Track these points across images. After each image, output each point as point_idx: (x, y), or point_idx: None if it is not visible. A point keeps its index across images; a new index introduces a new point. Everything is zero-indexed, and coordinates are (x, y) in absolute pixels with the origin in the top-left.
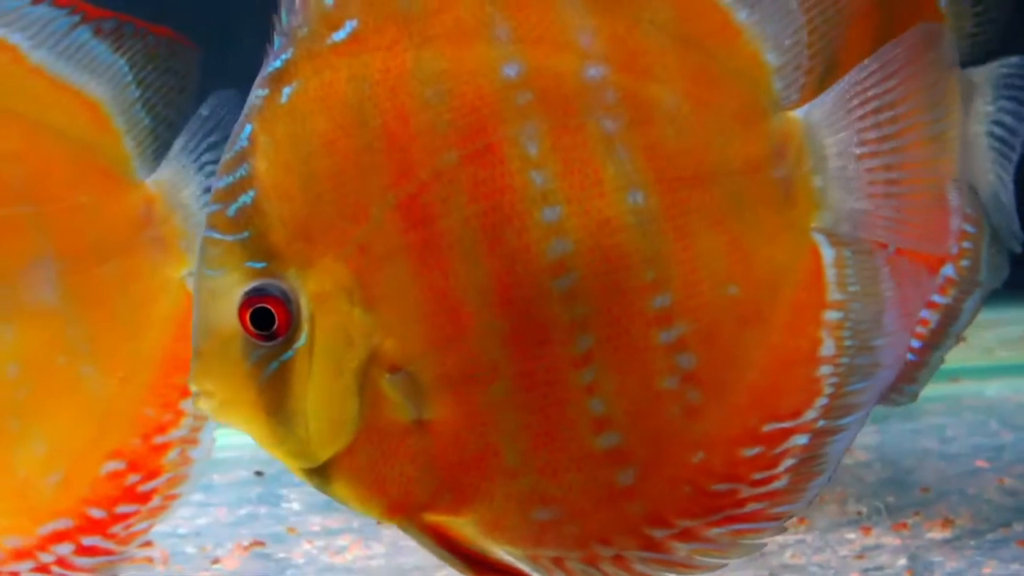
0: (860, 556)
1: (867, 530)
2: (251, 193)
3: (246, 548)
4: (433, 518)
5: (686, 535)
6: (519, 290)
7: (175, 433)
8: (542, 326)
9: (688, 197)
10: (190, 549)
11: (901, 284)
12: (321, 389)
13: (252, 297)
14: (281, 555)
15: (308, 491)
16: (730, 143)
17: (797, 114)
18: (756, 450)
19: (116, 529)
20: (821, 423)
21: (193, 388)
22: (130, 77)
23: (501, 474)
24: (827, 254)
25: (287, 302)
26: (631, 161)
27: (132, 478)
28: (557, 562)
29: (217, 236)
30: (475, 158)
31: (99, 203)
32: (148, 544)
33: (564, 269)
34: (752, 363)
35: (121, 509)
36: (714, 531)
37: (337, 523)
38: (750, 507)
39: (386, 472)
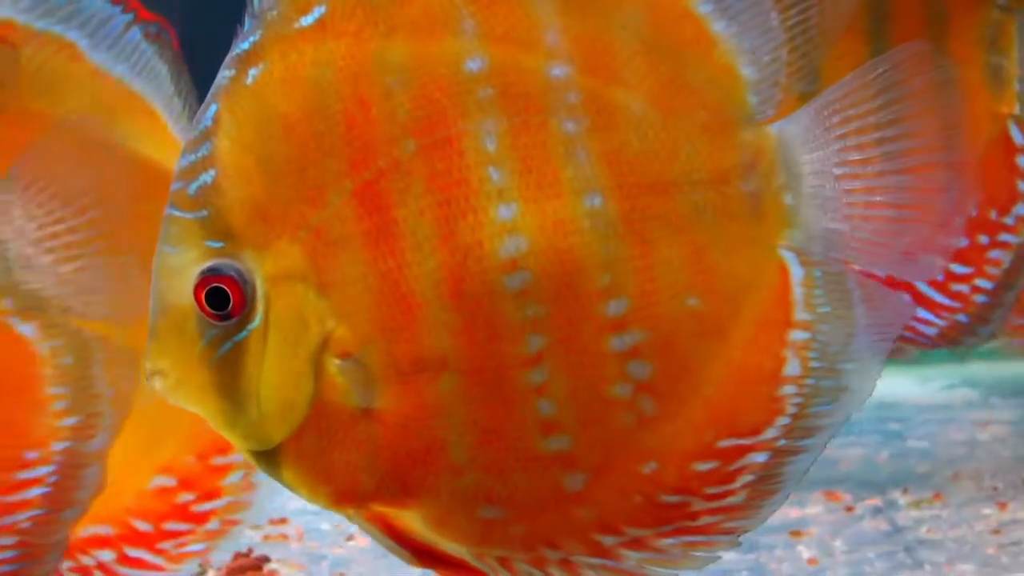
0: (996, 531)
1: (1003, 505)
2: (212, 172)
3: None
4: (380, 509)
5: (636, 544)
6: (470, 285)
7: (236, 456)
8: (492, 323)
9: (649, 204)
10: (325, 526)
11: (876, 308)
12: (274, 371)
13: (207, 276)
14: None
15: None
16: (696, 153)
17: (771, 128)
18: (711, 465)
19: (165, 546)
20: (782, 442)
21: (147, 366)
22: (173, 85)
23: (447, 469)
24: (796, 273)
25: (242, 282)
26: (591, 164)
27: (184, 496)
28: (503, 562)
29: (177, 214)
30: (433, 150)
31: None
32: (283, 520)
33: (516, 267)
34: (711, 377)
35: (170, 526)
36: (665, 542)
37: None
38: (703, 520)
39: (333, 460)
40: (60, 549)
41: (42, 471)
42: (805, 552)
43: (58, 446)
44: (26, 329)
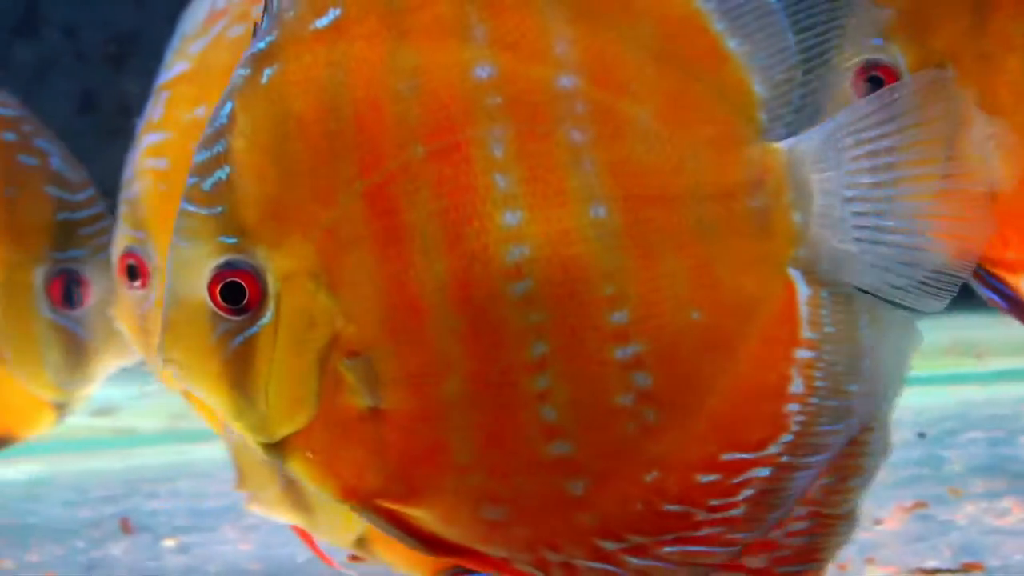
0: None
1: None
2: (226, 169)
3: (908, 509)
4: (386, 505)
5: (638, 550)
6: (475, 290)
7: None
8: (497, 328)
9: (653, 217)
10: None
11: (884, 331)
12: (283, 367)
13: (223, 271)
14: (944, 517)
15: (971, 452)
16: (703, 167)
17: (781, 146)
18: (714, 477)
19: None
20: (785, 458)
21: (160, 355)
22: None
23: (451, 470)
24: (802, 291)
25: (257, 277)
26: (596, 174)
27: None
28: (506, 563)
29: (192, 209)
30: (441, 155)
31: None
32: None
33: (521, 274)
34: (714, 390)
35: None
36: (666, 550)
37: (1001, 485)
38: (704, 531)
39: (340, 455)
40: (850, 520)
41: None
42: None
43: None
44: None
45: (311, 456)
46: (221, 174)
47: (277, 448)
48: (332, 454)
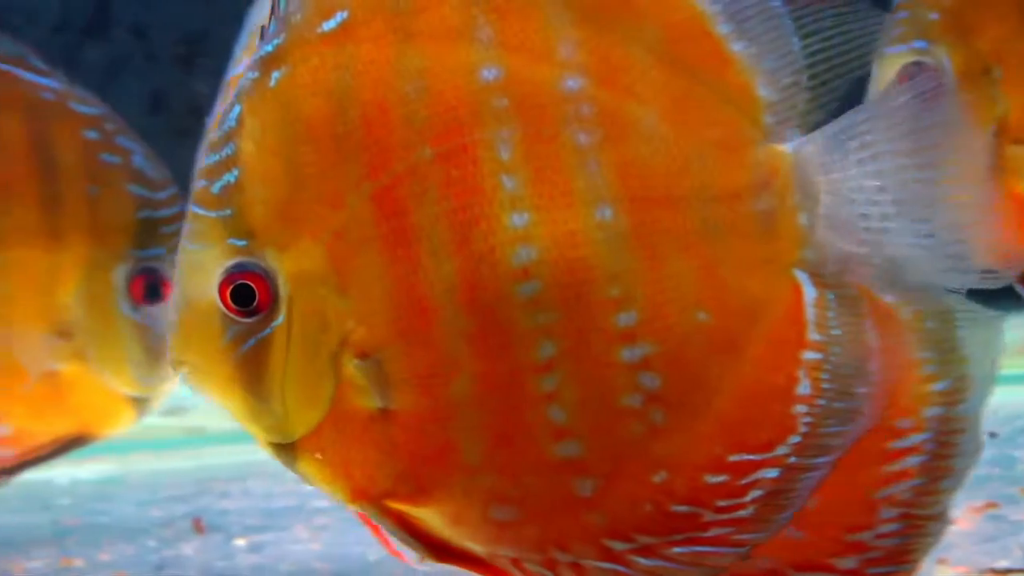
0: None
1: None
2: (235, 172)
3: (979, 510)
4: (396, 506)
5: (646, 551)
6: (483, 291)
7: None
8: (504, 329)
9: (659, 218)
10: None
11: (890, 333)
12: (297, 368)
13: (233, 273)
14: (1015, 517)
15: None
16: (708, 169)
17: (787, 148)
18: (722, 478)
19: None
20: (792, 459)
21: (171, 357)
22: None
23: (461, 470)
24: (809, 293)
25: (268, 280)
26: (602, 176)
27: None
28: (515, 563)
29: (201, 212)
30: (448, 157)
31: None
32: None
33: (528, 276)
34: (721, 391)
35: None
36: (675, 551)
37: None
38: (713, 532)
39: (350, 456)
40: (941, 521)
41: (917, 439)
42: None
43: (930, 412)
44: (888, 298)
45: (322, 457)
46: (230, 177)
47: (287, 449)
48: (342, 455)
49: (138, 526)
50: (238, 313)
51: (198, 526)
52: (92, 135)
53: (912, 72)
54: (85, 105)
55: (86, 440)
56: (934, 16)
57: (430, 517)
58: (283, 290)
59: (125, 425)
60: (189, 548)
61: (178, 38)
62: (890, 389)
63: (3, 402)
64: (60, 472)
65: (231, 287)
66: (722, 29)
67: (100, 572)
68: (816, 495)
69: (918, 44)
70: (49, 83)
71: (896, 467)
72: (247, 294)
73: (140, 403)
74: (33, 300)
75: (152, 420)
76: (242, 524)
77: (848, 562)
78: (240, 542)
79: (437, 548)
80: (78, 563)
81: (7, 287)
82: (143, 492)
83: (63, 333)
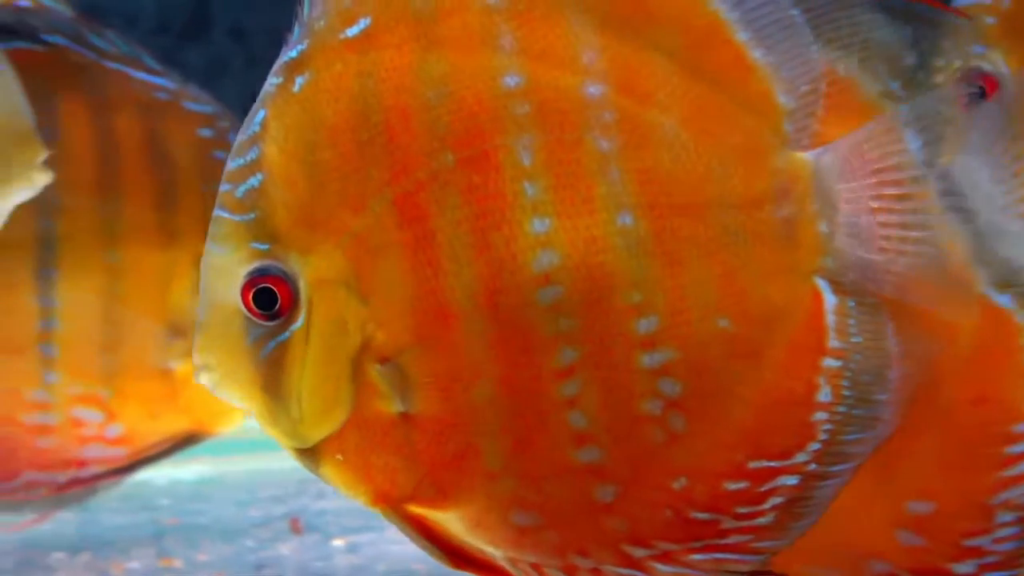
0: None
1: None
2: (259, 176)
3: None
4: (416, 510)
5: (666, 557)
6: (504, 296)
7: None
8: (526, 334)
9: (680, 225)
10: None
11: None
12: (316, 372)
13: (256, 277)
14: None
15: None
16: (729, 176)
17: (807, 156)
18: (741, 485)
19: None
20: (812, 467)
21: (195, 361)
22: None
23: (481, 475)
24: (829, 300)
25: (289, 283)
26: (623, 183)
27: None
28: (536, 568)
29: (225, 215)
30: (471, 163)
31: None
32: None
33: (549, 281)
34: (741, 398)
35: None
36: (694, 557)
37: None
38: (732, 539)
39: (372, 460)
40: None
41: None
42: None
43: None
44: (1003, 300)
45: (343, 460)
46: (254, 181)
47: (310, 453)
48: (364, 459)
49: (236, 526)
50: (260, 316)
51: (296, 526)
52: (206, 133)
53: (969, 76)
54: (198, 104)
55: (198, 439)
56: (991, 20)
57: (450, 522)
58: (305, 294)
59: (236, 423)
60: (287, 548)
61: (276, 41)
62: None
63: (116, 401)
64: (159, 473)
65: (253, 290)
66: (742, 36)
67: (198, 572)
68: (934, 500)
69: (976, 49)
70: (163, 82)
71: (1013, 472)
72: (269, 297)
73: None
74: (147, 299)
75: (250, 421)
76: (340, 524)
77: (966, 566)
78: (338, 542)
79: (456, 554)
80: (177, 563)
81: (122, 286)
82: (241, 492)
83: (177, 331)
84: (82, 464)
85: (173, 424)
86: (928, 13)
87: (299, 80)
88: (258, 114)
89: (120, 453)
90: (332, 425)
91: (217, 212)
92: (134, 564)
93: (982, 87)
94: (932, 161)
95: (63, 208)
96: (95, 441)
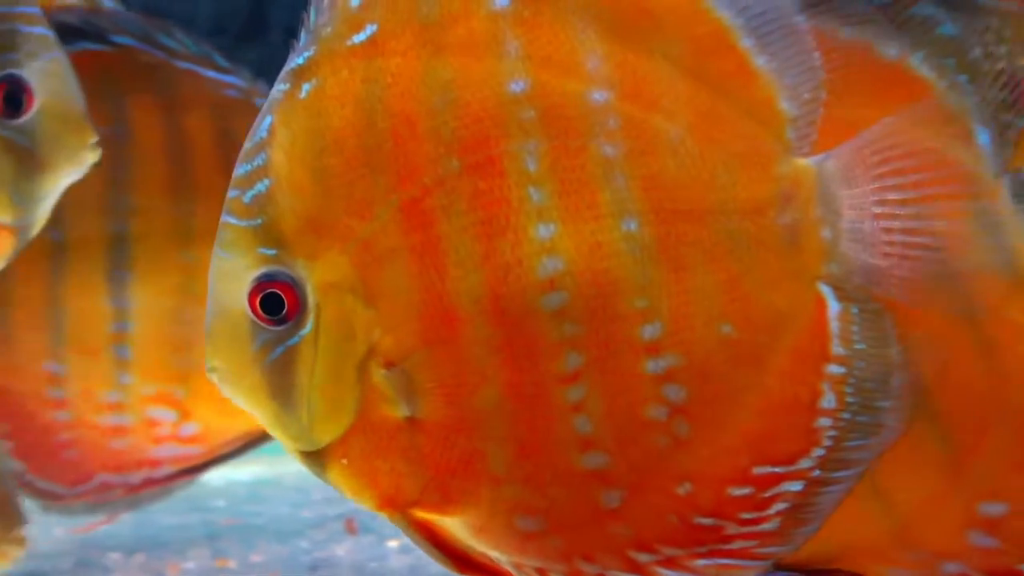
0: None
1: None
2: (266, 182)
3: None
4: (422, 515)
5: (670, 563)
6: (510, 301)
7: None
8: (531, 339)
9: (684, 231)
10: None
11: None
12: (323, 377)
13: (263, 282)
14: None
15: None
16: (733, 183)
17: (810, 163)
18: (746, 490)
19: None
20: (816, 473)
21: (206, 364)
22: None
23: (487, 479)
24: (833, 307)
25: (297, 288)
26: (628, 189)
27: None
28: (541, 573)
29: (232, 221)
30: (476, 169)
31: None
32: None
33: (554, 287)
34: (745, 404)
35: None
36: (698, 563)
37: None
38: (736, 544)
39: (377, 465)
40: None
41: None
42: None
43: None
44: None
45: (349, 465)
46: (261, 187)
47: (315, 457)
48: (369, 463)
49: (291, 527)
50: (267, 321)
51: (351, 527)
52: None
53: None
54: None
55: (270, 436)
56: None
57: (455, 527)
58: (311, 299)
59: None
60: (341, 549)
61: None
62: None
63: (190, 400)
64: (215, 474)
65: (261, 295)
66: (745, 43)
67: (253, 573)
68: (1007, 501)
69: None
70: (233, 80)
71: None
72: (276, 302)
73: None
74: None
75: None
76: (394, 525)
77: None
78: (392, 543)
79: (461, 560)
80: (232, 564)
81: (196, 285)
82: (296, 494)
83: None
84: (156, 464)
85: (246, 422)
86: (992, 4)
87: (306, 87)
88: (265, 120)
89: (194, 452)
90: (339, 429)
91: (224, 218)
92: (189, 565)
93: None
94: (1002, 155)
95: (136, 209)
96: (169, 441)
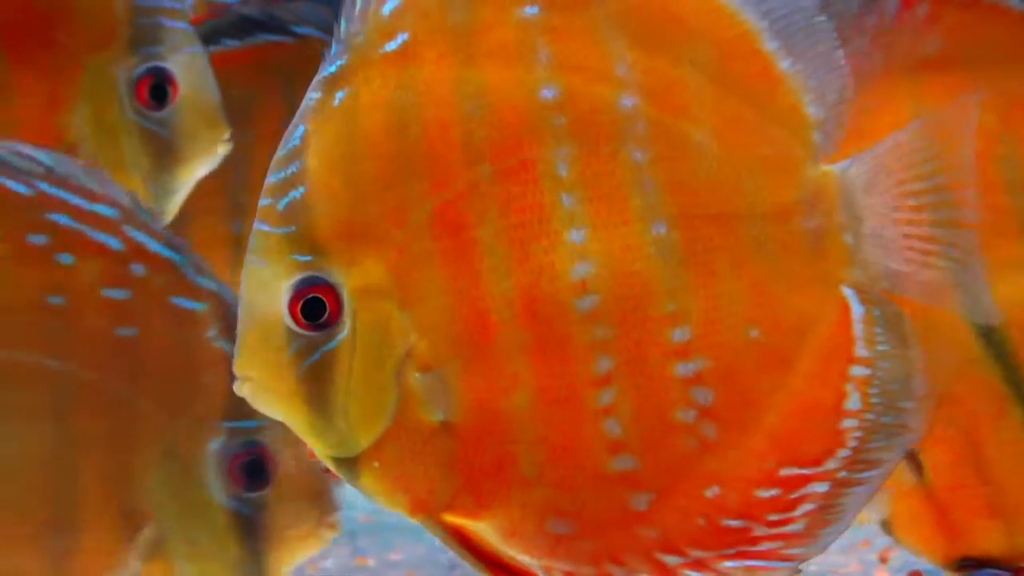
0: None
1: None
2: (301, 189)
3: None
4: (454, 519)
5: (698, 565)
6: (543, 305)
7: None
8: (563, 343)
9: (712, 236)
10: None
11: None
12: (361, 382)
13: (303, 288)
14: None
15: None
16: (759, 188)
17: (834, 168)
18: (773, 492)
19: None
20: (842, 474)
21: (236, 373)
22: None
23: (518, 483)
24: (856, 310)
25: (337, 293)
26: (657, 193)
27: None
28: None
29: (266, 229)
30: (509, 174)
31: None
32: None
33: (586, 291)
34: (772, 407)
35: None
36: (726, 564)
37: None
38: (764, 546)
39: (411, 470)
40: None
41: None
42: None
43: None
44: None
45: (383, 470)
46: (295, 194)
47: (348, 463)
48: (403, 468)
49: None
50: (307, 327)
51: None
52: None
53: None
54: None
55: None
56: None
57: (486, 531)
58: (347, 304)
59: None
60: None
61: None
62: None
63: None
64: None
65: (302, 301)
66: (770, 46)
67: (392, 571)
68: None
69: None
70: None
71: None
72: (318, 307)
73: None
74: None
75: None
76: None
77: None
78: None
79: (493, 563)
80: (370, 562)
81: None
82: None
83: None
84: None
85: None
86: None
87: (339, 95)
88: (298, 129)
89: None
90: (375, 434)
91: (257, 226)
92: (328, 563)
93: None
94: None
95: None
96: None
